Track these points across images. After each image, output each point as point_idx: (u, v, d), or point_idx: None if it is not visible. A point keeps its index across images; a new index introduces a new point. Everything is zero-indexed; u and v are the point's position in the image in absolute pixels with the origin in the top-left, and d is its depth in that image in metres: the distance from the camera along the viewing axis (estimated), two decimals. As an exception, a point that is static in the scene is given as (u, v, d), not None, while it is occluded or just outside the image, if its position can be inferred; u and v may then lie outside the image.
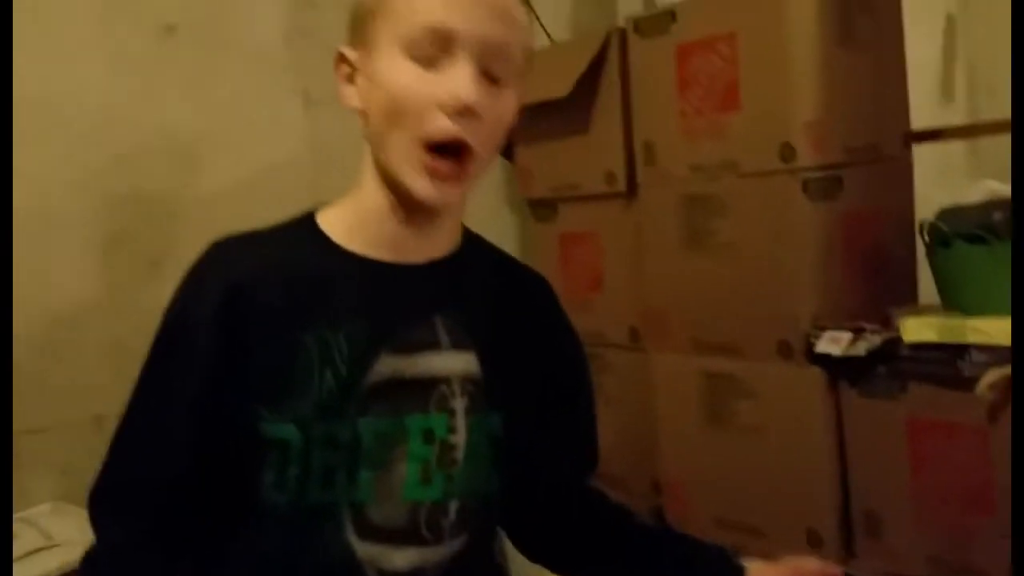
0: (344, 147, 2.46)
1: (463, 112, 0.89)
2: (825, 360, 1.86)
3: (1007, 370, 1.65)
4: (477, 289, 1.02)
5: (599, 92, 2.31)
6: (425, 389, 0.96)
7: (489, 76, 0.92)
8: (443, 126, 0.90)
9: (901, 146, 2.16)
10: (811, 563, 1.14)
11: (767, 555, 1.94)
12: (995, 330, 1.68)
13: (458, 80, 0.89)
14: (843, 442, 1.89)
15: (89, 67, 2.04)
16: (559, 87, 2.27)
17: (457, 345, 0.98)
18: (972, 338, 1.69)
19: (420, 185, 0.92)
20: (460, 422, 0.97)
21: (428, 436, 0.95)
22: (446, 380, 0.97)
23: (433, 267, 0.99)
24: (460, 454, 0.97)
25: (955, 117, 3.34)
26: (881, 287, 2.04)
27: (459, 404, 0.97)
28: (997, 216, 1.78)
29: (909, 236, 2.12)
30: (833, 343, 1.84)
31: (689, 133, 2.09)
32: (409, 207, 0.96)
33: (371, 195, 0.98)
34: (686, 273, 2.09)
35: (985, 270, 1.77)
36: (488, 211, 2.70)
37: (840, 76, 1.97)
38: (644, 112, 2.21)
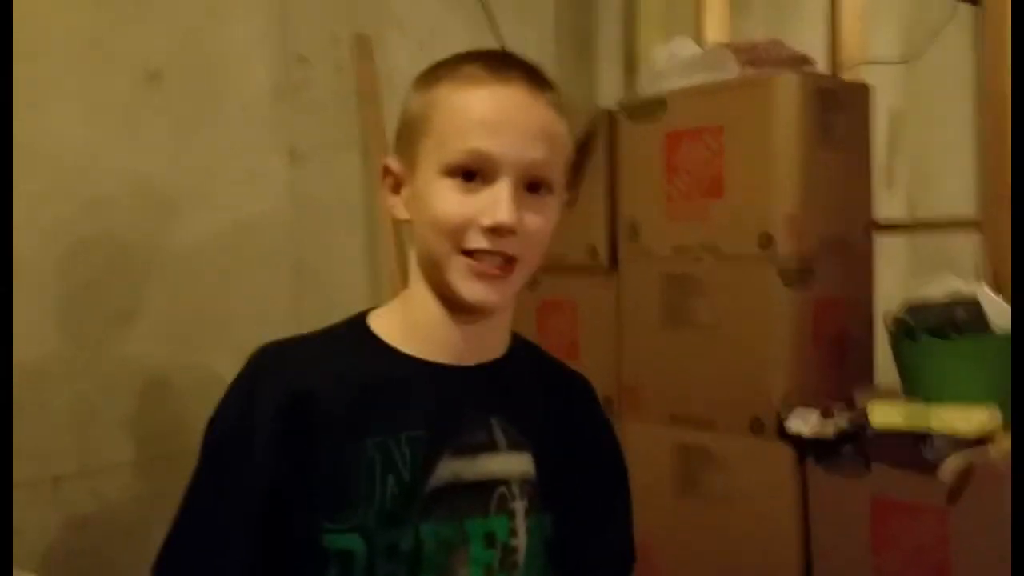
0: (328, 204, 2.53)
1: (500, 230, 0.93)
2: (794, 438, 1.96)
3: (967, 456, 1.77)
4: (528, 390, 1.04)
5: (586, 171, 2.41)
6: (485, 491, 0.97)
7: (531, 188, 0.96)
8: (481, 242, 0.94)
9: (865, 237, 2.31)
10: None
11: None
12: (956, 418, 1.80)
13: (497, 203, 0.92)
14: (808, 516, 1.99)
15: (67, 110, 1.96)
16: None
17: (514, 446, 1.00)
18: (935, 425, 1.81)
19: (468, 288, 0.95)
20: (520, 524, 0.98)
21: (490, 540, 0.97)
22: (505, 482, 0.98)
23: (487, 369, 1.01)
24: (521, 557, 0.98)
25: (897, 208, 3.54)
26: (845, 369, 2.16)
27: (519, 506, 0.98)
28: (960, 313, 1.92)
29: (869, 321, 2.26)
30: (803, 422, 1.94)
31: (673, 215, 2.20)
32: (460, 310, 0.98)
33: (422, 300, 1.00)
34: (663, 348, 2.19)
35: (948, 363, 1.91)
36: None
37: (817, 172, 2.10)
38: (630, 192, 2.31)
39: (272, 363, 0.99)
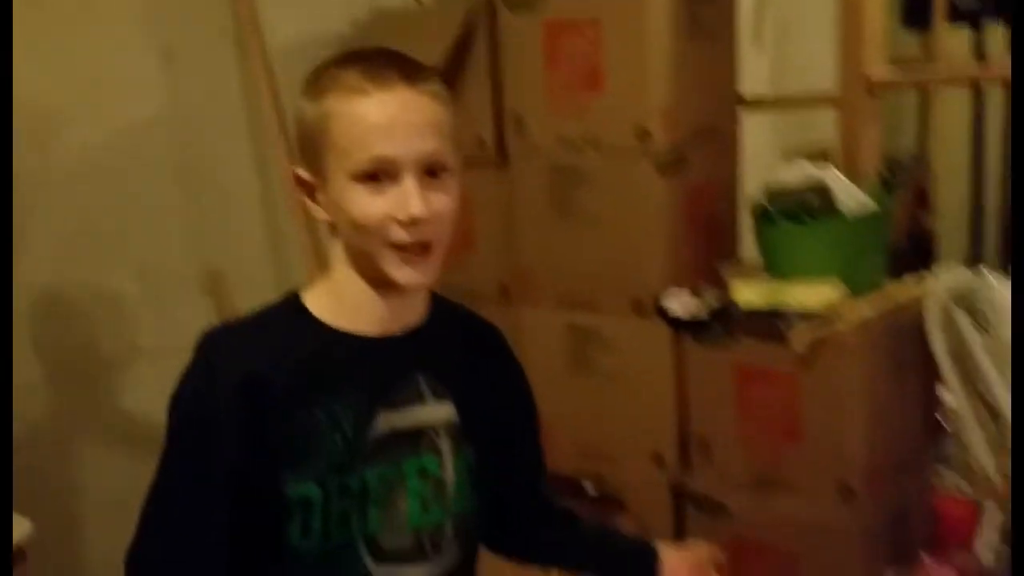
0: (207, 105, 2.49)
1: (416, 223, 1.08)
2: (670, 317, 2.21)
3: (816, 328, 2.05)
4: (447, 348, 1.23)
5: (469, 61, 2.50)
6: (417, 437, 1.17)
7: (431, 173, 1.11)
8: (402, 236, 1.09)
9: (732, 121, 2.51)
10: (704, 549, 1.47)
11: (622, 476, 2.32)
12: (807, 294, 2.07)
13: (407, 199, 1.07)
14: (683, 383, 2.27)
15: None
16: (429, 55, 2.45)
17: (438, 398, 1.19)
18: (789, 301, 2.07)
19: (401, 274, 1.11)
20: (447, 460, 1.19)
21: (423, 475, 1.17)
22: (433, 427, 1.18)
23: (411, 335, 1.18)
24: (450, 486, 1.19)
25: (764, 84, 3.73)
26: (715, 249, 2.41)
27: (445, 445, 1.19)
28: (813, 200, 2.15)
29: (736, 203, 2.49)
30: (679, 304, 2.19)
31: (556, 109, 2.33)
32: (391, 291, 1.14)
33: (351, 282, 1.15)
34: (553, 237, 2.38)
35: (802, 245, 2.16)
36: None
37: (688, 64, 2.26)
38: (514, 84, 2.43)
39: (223, 348, 1.15)
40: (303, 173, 1.15)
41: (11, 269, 1.27)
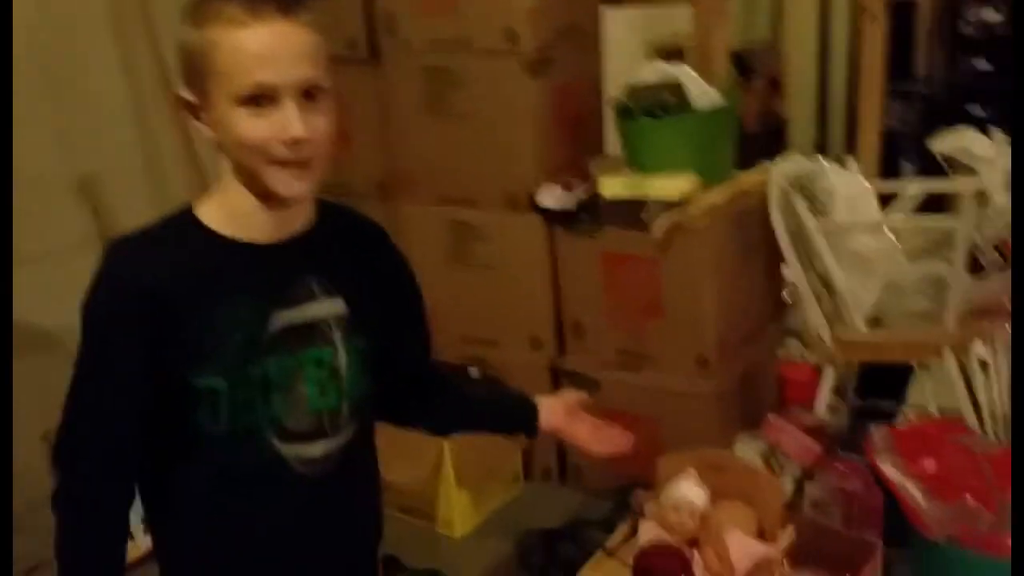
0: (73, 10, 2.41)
1: (297, 143, 1.16)
2: (543, 210, 2.39)
3: (674, 216, 2.26)
4: (335, 248, 1.31)
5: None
6: (311, 330, 1.27)
7: (308, 96, 1.17)
8: (284, 154, 1.17)
9: (594, 21, 2.64)
10: (572, 394, 1.65)
11: (503, 359, 2.52)
12: (666, 187, 2.27)
13: (288, 121, 1.15)
14: (556, 271, 2.47)
15: None
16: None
17: (328, 294, 1.29)
18: (651, 193, 2.27)
19: (284, 187, 1.19)
20: (339, 349, 1.30)
21: (319, 363, 1.28)
22: (324, 321, 1.28)
23: (299, 239, 1.27)
24: (343, 371, 1.30)
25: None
26: (580, 144, 2.58)
27: (337, 336, 1.29)
28: (668, 97, 2.33)
29: (600, 100, 2.65)
30: (550, 197, 2.36)
31: (426, 9, 2.42)
32: (276, 202, 1.22)
33: (240, 195, 1.23)
34: (429, 136, 2.50)
35: (659, 139, 2.35)
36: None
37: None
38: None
39: (127, 260, 1.24)
40: (187, 95, 1.22)
41: (11, 269, 1.28)
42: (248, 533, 1.33)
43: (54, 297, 2.50)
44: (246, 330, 1.24)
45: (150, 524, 1.38)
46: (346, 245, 1.35)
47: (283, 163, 1.19)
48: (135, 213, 2.60)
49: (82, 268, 2.77)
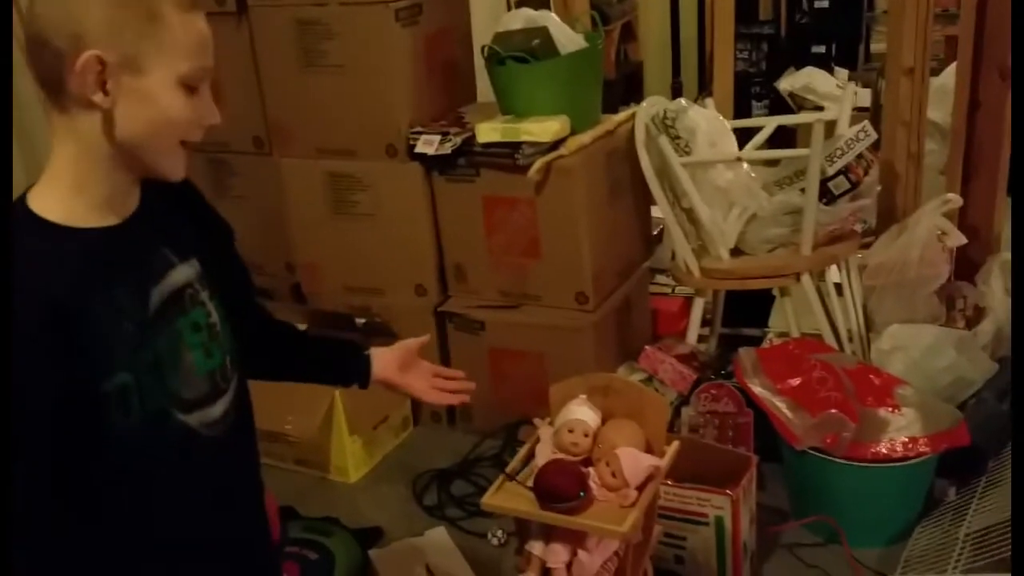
0: None
1: (212, 129, 1.23)
2: (421, 157, 2.43)
3: (547, 158, 2.33)
4: (166, 212, 1.30)
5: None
6: (180, 297, 1.27)
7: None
8: (197, 137, 1.22)
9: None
10: (409, 342, 1.69)
11: (389, 306, 2.56)
12: (539, 130, 2.34)
13: (212, 107, 1.21)
14: (436, 217, 2.52)
15: None
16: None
17: (183, 259, 1.29)
18: (524, 137, 2.33)
19: (177, 169, 1.23)
20: (210, 307, 1.31)
21: (195, 327, 1.28)
22: (189, 284, 1.29)
23: (139, 213, 1.25)
24: (219, 327, 1.32)
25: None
26: (453, 92, 2.62)
27: (204, 295, 1.31)
28: (535, 42, 2.40)
29: (470, 48, 2.70)
30: (427, 144, 2.40)
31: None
32: (142, 179, 1.23)
33: (96, 178, 1.19)
34: (302, 89, 2.49)
35: (529, 84, 2.41)
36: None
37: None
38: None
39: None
40: (111, 57, 1.13)
41: (11, 271, 1.20)
42: (170, 514, 1.31)
43: None
44: (133, 315, 1.21)
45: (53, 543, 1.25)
46: (173, 207, 1.34)
47: (185, 147, 1.22)
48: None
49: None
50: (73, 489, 1.21)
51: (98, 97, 1.14)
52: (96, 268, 1.18)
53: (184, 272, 1.29)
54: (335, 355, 1.66)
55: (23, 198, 1.20)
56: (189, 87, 1.18)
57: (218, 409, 1.33)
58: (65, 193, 1.19)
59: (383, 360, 1.63)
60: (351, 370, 1.63)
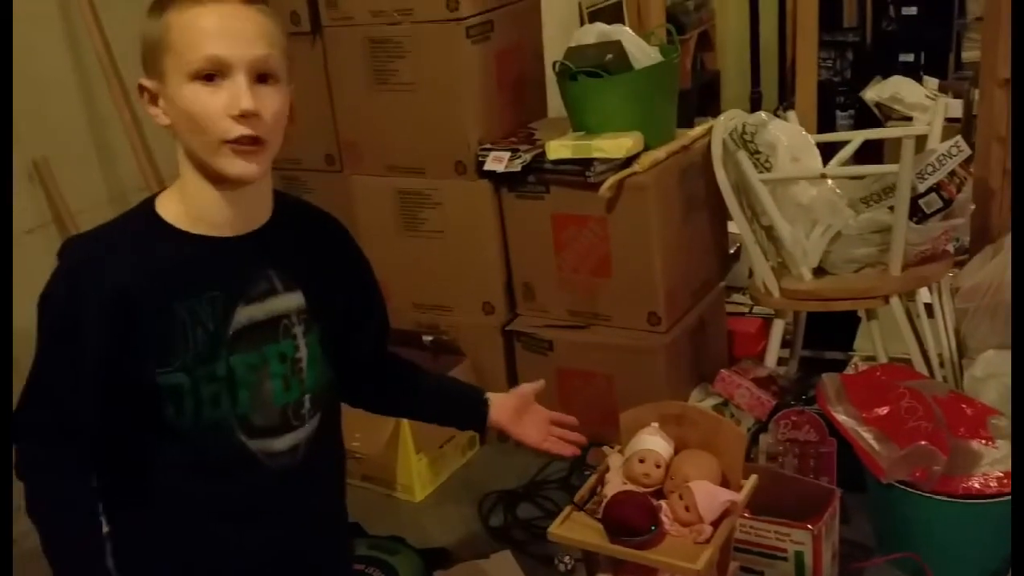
0: None
1: (246, 115, 1.18)
2: (491, 174, 2.39)
3: (620, 175, 2.27)
4: (292, 241, 1.34)
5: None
6: (274, 325, 1.30)
7: (261, 79, 1.20)
8: (235, 130, 1.18)
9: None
10: (526, 389, 1.69)
11: (456, 324, 2.53)
12: (611, 147, 2.28)
13: (239, 94, 1.17)
14: (505, 235, 2.47)
15: None
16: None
17: (288, 288, 1.31)
18: (595, 153, 2.28)
19: (232, 166, 1.20)
20: (300, 342, 1.32)
21: (282, 358, 1.31)
22: (286, 315, 1.31)
23: (259, 233, 1.29)
24: (304, 364, 1.33)
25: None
26: (523, 108, 2.58)
27: (298, 330, 1.32)
28: (608, 57, 2.34)
29: (541, 64, 2.65)
30: (496, 161, 2.36)
31: (364, -20, 2.39)
32: (228, 186, 1.23)
33: (198, 187, 1.24)
34: (373, 107, 2.48)
35: (602, 99, 2.35)
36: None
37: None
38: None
39: (86, 259, 1.23)
40: (145, 82, 1.24)
41: (11, 270, 1.28)
42: (214, 525, 1.34)
43: (15, 281, 2.47)
44: (208, 326, 1.24)
45: (109, 516, 1.36)
46: (303, 238, 1.36)
47: (233, 143, 1.19)
48: (88, 196, 2.60)
49: (37, 251, 2.75)
50: (121, 466, 1.30)
51: (159, 118, 1.24)
52: (184, 271, 1.24)
53: (285, 301, 1.31)
54: (458, 402, 1.68)
55: (148, 198, 1.31)
56: (205, 80, 1.18)
57: (284, 442, 1.34)
58: (177, 198, 1.27)
59: (500, 407, 1.64)
60: (469, 417, 1.66)
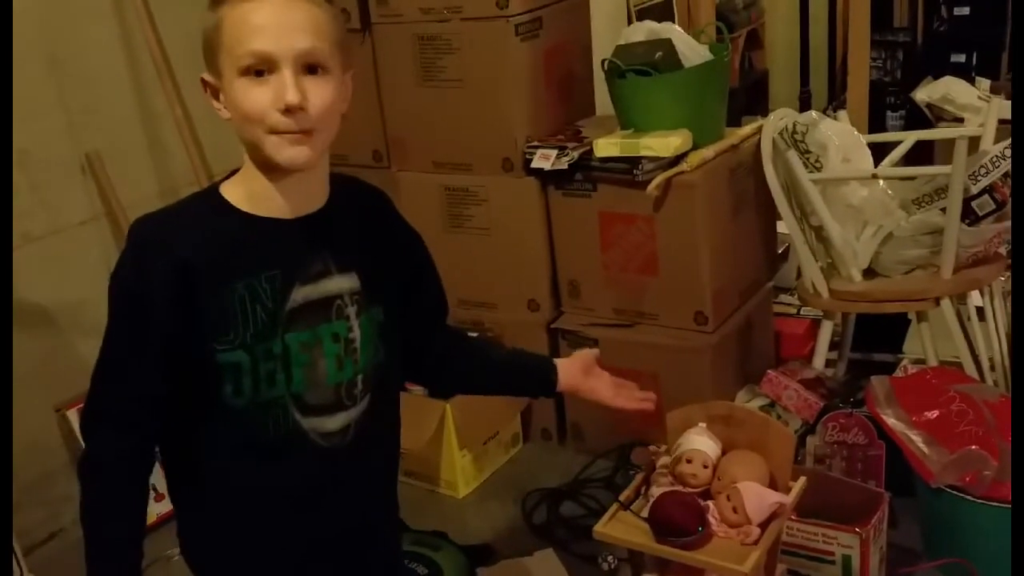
0: None
1: (291, 109, 1.19)
2: (538, 172, 2.39)
3: (668, 173, 2.26)
4: (347, 222, 1.36)
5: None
6: (328, 305, 1.32)
7: (311, 71, 1.22)
8: (281, 123, 1.20)
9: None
10: (587, 352, 1.68)
11: (501, 321, 2.53)
12: (659, 145, 2.27)
13: (284, 89, 1.19)
14: (551, 233, 2.47)
15: None
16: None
17: (342, 270, 1.33)
18: (644, 151, 2.27)
19: (282, 155, 1.23)
20: (354, 323, 1.34)
21: (335, 337, 1.32)
22: (340, 296, 1.33)
23: (315, 216, 1.31)
24: (358, 344, 1.35)
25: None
26: (571, 106, 2.58)
27: (351, 311, 1.34)
28: (658, 55, 2.33)
29: (589, 61, 2.65)
30: (543, 159, 2.36)
31: (417, -24, 2.40)
32: (283, 174, 1.26)
33: (255, 173, 1.28)
34: (421, 104, 2.49)
35: (651, 97, 2.34)
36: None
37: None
38: (371, -45, 2.48)
39: (154, 235, 1.26)
40: (207, 76, 1.27)
41: (11, 270, 1.29)
42: (268, 504, 1.36)
43: (63, 273, 2.52)
44: (267, 305, 1.27)
45: (172, 495, 1.41)
46: (357, 219, 1.38)
47: (286, 134, 1.22)
48: (139, 190, 2.64)
49: (89, 244, 2.79)
50: (180, 442, 1.34)
51: (221, 112, 1.27)
52: (247, 250, 1.26)
53: (339, 283, 1.33)
54: (522, 365, 1.68)
55: (222, 180, 1.34)
56: (253, 75, 1.21)
57: (336, 422, 1.35)
58: (240, 182, 1.30)
59: (567, 368, 1.64)
60: (540, 378, 1.64)
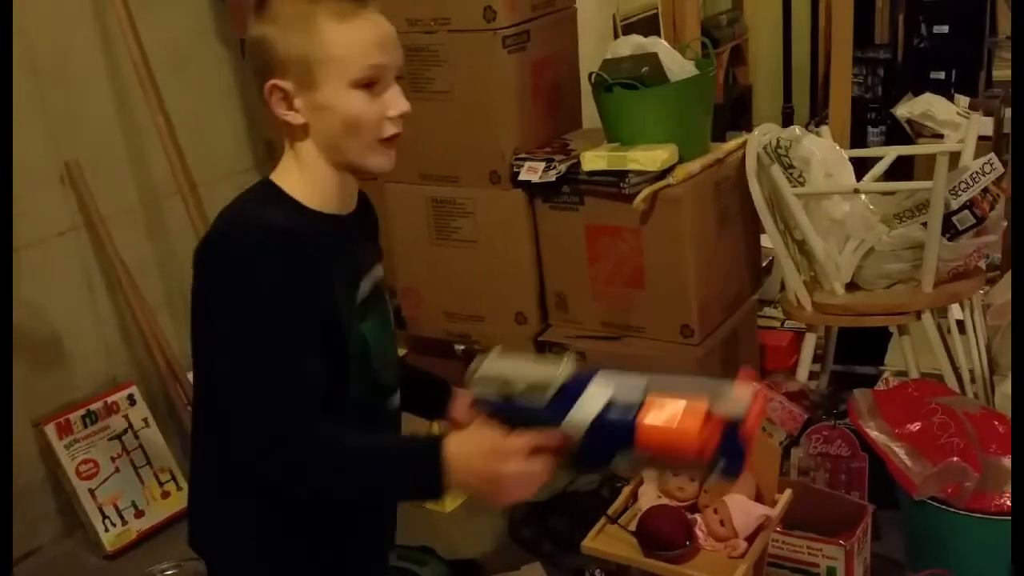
0: None
1: (403, 116, 1.29)
2: (525, 184, 2.40)
3: (654, 187, 2.28)
4: (369, 218, 1.45)
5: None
6: (380, 293, 1.41)
7: (398, 78, 1.31)
8: (392, 130, 1.29)
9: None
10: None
11: (488, 334, 2.53)
12: (646, 159, 2.28)
13: (398, 98, 1.28)
14: (538, 245, 2.48)
15: None
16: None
17: (376, 259, 1.43)
18: (631, 165, 2.28)
19: (380, 163, 1.30)
20: (388, 307, 1.44)
21: (387, 322, 1.42)
22: (382, 283, 1.42)
23: (356, 211, 1.38)
24: (392, 328, 1.45)
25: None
26: (559, 119, 2.59)
27: (387, 296, 1.44)
28: (644, 69, 2.35)
29: (576, 74, 2.66)
30: (531, 171, 2.37)
31: (401, -11, 2.41)
32: (353, 174, 1.32)
33: (321, 171, 1.30)
34: (408, 115, 2.48)
35: (637, 111, 2.36)
36: (201, 44, 2.83)
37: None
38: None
39: (273, 232, 1.25)
40: (282, 84, 1.27)
41: (11, 271, 1.27)
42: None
43: (41, 285, 2.49)
44: (351, 297, 1.34)
45: (227, 488, 1.36)
46: (372, 217, 1.48)
47: (386, 141, 1.29)
48: (119, 200, 2.62)
49: (68, 255, 2.75)
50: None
51: (289, 116, 1.29)
52: (329, 245, 1.29)
53: (378, 271, 1.42)
54: (430, 388, 1.64)
55: (263, 181, 1.35)
56: (366, 88, 1.26)
57: (395, 401, 1.44)
58: (299, 182, 1.32)
59: (462, 398, 1.59)
60: (441, 405, 1.61)
